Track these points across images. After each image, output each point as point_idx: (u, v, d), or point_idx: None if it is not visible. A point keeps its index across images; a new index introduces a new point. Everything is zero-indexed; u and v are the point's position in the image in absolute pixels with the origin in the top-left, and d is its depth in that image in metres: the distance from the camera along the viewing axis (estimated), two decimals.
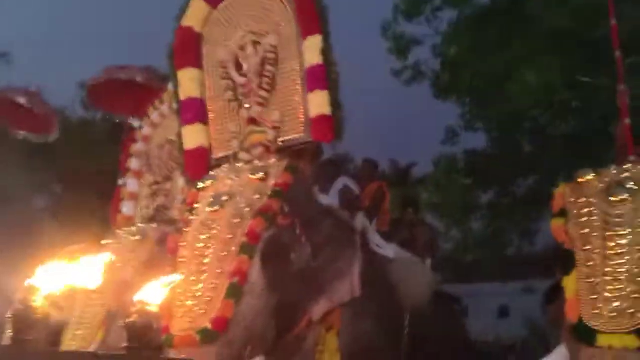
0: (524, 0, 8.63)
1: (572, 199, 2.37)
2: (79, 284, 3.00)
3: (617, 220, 2.22)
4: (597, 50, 7.06)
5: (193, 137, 3.32)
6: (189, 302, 2.34)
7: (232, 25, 3.34)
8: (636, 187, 2.26)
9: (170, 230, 3.55)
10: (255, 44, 3.21)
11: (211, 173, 2.84)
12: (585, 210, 2.30)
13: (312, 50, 3.01)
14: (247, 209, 2.49)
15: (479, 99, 10.25)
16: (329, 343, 2.70)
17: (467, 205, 12.01)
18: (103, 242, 3.78)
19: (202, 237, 2.47)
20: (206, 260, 2.40)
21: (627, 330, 2.07)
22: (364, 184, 5.69)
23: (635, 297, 2.09)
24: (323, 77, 2.98)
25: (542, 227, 9.98)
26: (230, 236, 2.43)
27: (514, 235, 12.02)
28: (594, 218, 2.27)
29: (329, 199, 4.28)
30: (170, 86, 4.44)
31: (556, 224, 2.36)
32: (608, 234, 2.21)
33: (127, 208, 4.35)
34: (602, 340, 2.08)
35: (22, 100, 5.78)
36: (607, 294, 2.12)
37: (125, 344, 2.10)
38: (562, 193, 2.42)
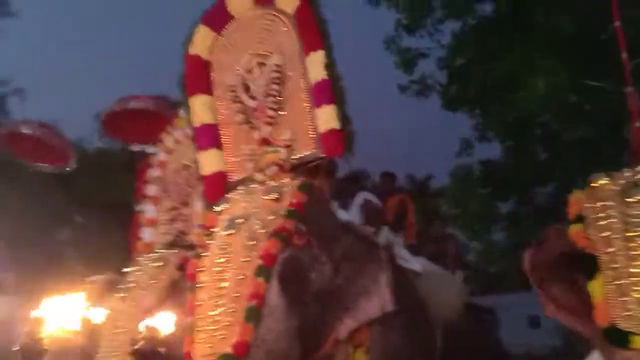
0: (526, 7, 8.63)
1: (588, 204, 2.35)
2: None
3: (636, 220, 2.20)
4: (604, 53, 7.03)
5: (209, 162, 3.33)
6: (209, 327, 2.33)
7: (237, 49, 3.37)
8: None
9: (190, 255, 3.59)
10: (261, 65, 3.24)
11: (227, 196, 2.84)
12: (603, 213, 2.28)
13: (315, 65, 3.02)
14: (262, 231, 2.48)
15: (488, 109, 10.22)
16: None
17: (486, 216, 11.93)
18: (124, 270, 3.81)
19: (219, 261, 2.46)
20: (224, 285, 2.39)
21: None
22: (384, 197, 5.63)
23: None
24: (329, 91, 2.97)
25: None
26: (245, 259, 2.41)
27: None
28: (613, 220, 2.24)
29: (350, 215, 4.26)
30: (182, 112, 4.53)
31: (575, 229, 2.34)
32: (629, 234, 2.18)
33: (146, 234, 4.39)
34: (638, 342, 2.04)
35: (37, 133, 5.90)
36: (637, 295, 2.08)
37: None
38: (577, 199, 2.41)
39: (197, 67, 3.42)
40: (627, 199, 2.23)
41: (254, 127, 3.19)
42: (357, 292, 2.56)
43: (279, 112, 3.14)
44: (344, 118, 2.97)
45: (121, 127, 5.19)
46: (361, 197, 5.20)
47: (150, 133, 4.76)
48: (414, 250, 4.32)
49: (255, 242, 2.44)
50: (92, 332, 3.50)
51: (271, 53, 3.21)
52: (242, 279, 2.37)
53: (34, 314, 2.96)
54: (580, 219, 2.32)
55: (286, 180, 2.81)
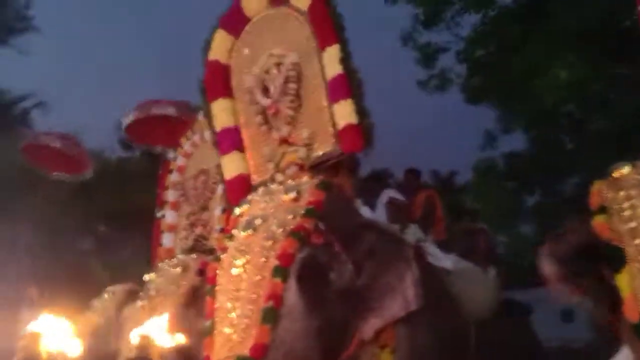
0: None
1: (611, 195, 2.24)
2: None
3: None
4: (628, 41, 6.85)
5: (232, 166, 3.32)
6: (227, 330, 2.29)
7: (254, 51, 3.35)
8: None
9: (210, 259, 3.56)
10: (278, 65, 3.20)
11: (247, 198, 2.80)
12: (627, 203, 2.16)
13: (331, 61, 2.97)
14: (280, 231, 2.43)
15: (511, 100, 10.05)
16: None
17: (512, 209, 11.73)
18: (145, 276, 3.80)
19: (237, 262, 2.41)
20: (241, 286, 2.35)
21: None
22: (410, 194, 5.51)
23: None
24: (345, 86, 2.91)
25: None
26: (263, 260, 2.36)
27: None
28: (639, 210, 2.13)
29: (376, 214, 4.18)
30: (200, 116, 4.53)
31: (598, 221, 2.22)
32: None
33: (167, 240, 4.38)
34: None
35: (56, 144, 6.00)
36: None
37: None
38: (598, 190, 2.30)
39: (216, 72, 3.42)
40: None
41: (273, 127, 3.16)
42: (382, 290, 2.46)
43: (297, 111, 3.09)
44: (361, 112, 2.89)
45: (143, 132, 5.26)
46: (386, 195, 5.10)
47: (172, 137, 4.80)
48: (444, 246, 4.20)
49: (273, 242, 2.39)
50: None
51: (288, 52, 3.17)
52: (260, 279, 2.32)
53: (31, 328, 2.93)
54: (603, 209, 2.22)
55: (305, 179, 2.76)
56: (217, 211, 4.12)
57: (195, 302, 3.22)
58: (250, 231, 2.46)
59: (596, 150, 9.30)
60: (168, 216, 4.47)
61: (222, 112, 3.37)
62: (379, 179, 5.75)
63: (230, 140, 3.33)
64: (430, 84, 10.72)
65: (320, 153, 3.00)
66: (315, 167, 2.98)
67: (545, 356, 4.08)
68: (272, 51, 3.26)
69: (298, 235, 2.40)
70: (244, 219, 2.60)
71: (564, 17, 8.15)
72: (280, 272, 2.31)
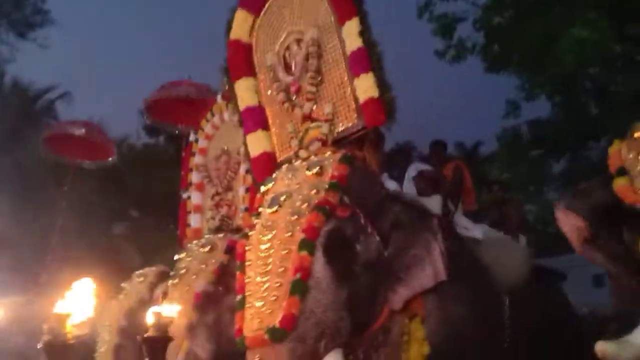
0: None
1: (631, 156, 2.19)
2: None
3: None
4: None
5: (256, 144, 3.39)
6: (257, 303, 2.33)
7: (275, 28, 3.39)
8: None
9: (237, 237, 3.62)
10: (299, 41, 3.22)
11: (272, 175, 2.83)
12: None
13: (350, 35, 2.97)
14: (305, 205, 2.44)
15: (533, 66, 9.82)
16: (413, 332, 2.55)
17: (538, 177, 11.56)
18: (176, 257, 3.89)
19: (264, 238, 2.45)
20: (270, 260, 2.38)
21: None
22: (437, 167, 5.45)
23: None
24: (365, 59, 2.91)
25: None
26: (289, 234, 2.39)
27: None
28: None
29: (405, 188, 4.17)
30: (218, 98, 4.59)
31: (620, 183, 2.18)
32: None
33: (194, 221, 4.49)
34: None
35: (80, 131, 6.13)
36: None
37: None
38: (617, 151, 2.25)
39: (238, 51, 3.46)
40: None
41: (296, 104, 3.19)
42: (410, 261, 2.49)
43: (319, 87, 3.11)
44: (383, 85, 2.90)
45: (164, 112, 5.40)
46: (413, 169, 5.08)
47: (192, 117, 4.91)
48: (475, 217, 4.17)
49: (297, 217, 2.42)
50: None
51: (307, 28, 3.18)
52: (287, 253, 2.35)
53: (56, 310, 3.03)
54: (622, 171, 2.17)
55: (328, 154, 2.77)
56: (240, 191, 4.18)
57: (224, 280, 3.31)
58: (275, 207, 2.50)
59: (622, 114, 9.09)
60: (194, 197, 4.56)
61: (245, 92, 3.42)
62: (405, 153, 5.68)
63: (254, 119, 3.39)
64: (449, 53, 10.54)
65: (343, 128, 3.02)
66: (339, 142, 3.00)
67: (578, 322, 4.01)
68: (292, 27, 3.28)
69: (323, 209, 2.41)
70: (269, 197, 2.63)
71: None
72: (307, 244, 2.34)
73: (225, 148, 4.47)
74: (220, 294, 3.26)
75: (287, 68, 3.24)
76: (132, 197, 12.62)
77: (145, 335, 2.53)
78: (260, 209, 2.62)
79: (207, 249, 3.70)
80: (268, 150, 3.34)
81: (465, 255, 2.91)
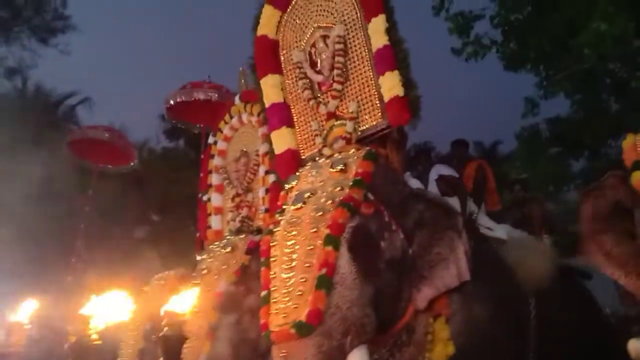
0: None
1: None
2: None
3: None
4: None
5: (281, 141, 3.40)
6: (283, 299, 2.33)
7: (301, 25, 3.40)
8: None
9: (258, 237, 3.65)
10: (325, 37, 3.23)
11: (296, 173, 2.83)
12: None
13: (377, 32, 2.97)
14: (329, 202, 2.44)
15: (552, 63, 9.71)
16: (438, 331, 2.53)
17: (558, 175, 11.43)
18: (198, 258, 3.93)
19: (289, 234, 2.45)
20: (295, 256, 2.38)
21: None
22: (459, 166, 5.38)
23: None
24: (391, 57, 2.92)
25: None
26: (314, 230, 2.38)
27: None
28: None
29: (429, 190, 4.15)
30: (237, 100, 4.63)
31: (638, 177, 2.15)
32: None
33: (214, 222, 4.52)
34: None
35: (103, 136, 6.24)
36: None
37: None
38: (632, 144, 2.21)
39: (265, 47, 3.48)
40: None
41: (321, 101, 3.20)
42: (434, 260, 2.48)
43: (345, 84, 3.12)
44: (408, 83, 2.89)
45: (183, 112, 5.48)
46: (436, 171, 5.03)
47: (210, 118, 4.98)
48: (498, 217, 4.13)
49: (322, 213, 2.41)
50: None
51: (334, 24, 3.19)
52: (312, 249, 2.35)
53: (82, 311, 3.08)
54: (638, 165, 2.14)
55: (351, 151, 2.76)
56: (260, 192, 4.21)
57: (245, 280, 3.32)
58: (300, 204, 2.49)
59: None
60: (214, 199, 4.60)
61: (271, 88, 3.43)
62: (427, 153, 5.63)
63: (279, 116, 3.40)
64: (466, 51, 10.44)
65: (367, 126, 3.03)
66: (363, 140, 3.00)
67: (604, 321, 3.93)
68: (318, 24, 3.29)
69: (348, 205, 2.41)
70: (293, 194, 2.63)
71: None
72: (332, 240, 2.33)
73: (244, 150, 4.50)
74: (241, 295, 3.28)
75: (313, 65, 3.25)
76: (153, 201, 12.73)
77: (160, 334, 2.56)
78: (284, 207, 2.62)
79: (228, 249, 3.73)
80: (292, 148, 3.35)
81: (490, 256, 2.88)
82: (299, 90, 3.29)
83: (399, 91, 2.88)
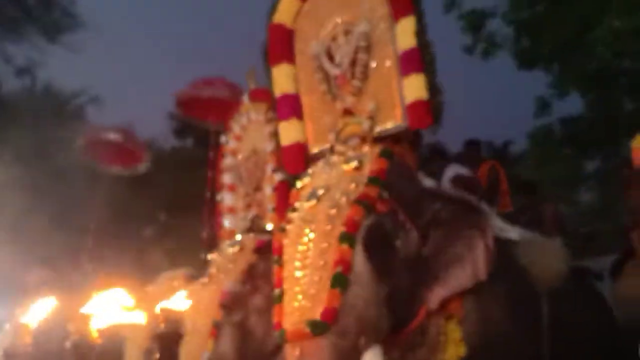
0: None
1: None
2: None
3: None
4: None
5: (289, 132, 3.31)
6: (297, 297, 2.28)
7: (322, 16, 3.30)
8: None
9: (266, 238, 3.61)
10: (347, 32, 3.15)
11: (308, 170, 2.77)
12: None
13: (405, 33, 2.90)
14: (344, 199, 2.38)
15: (565, 61, 9.59)
16: (450, 333, 2.49)
17: (571, 177, 11.33)
18: (209, 256, 3.91)
19: (303, 231, 2.39)
20: (309, 254, 2.33)
21: None
22: (471, 167, 5.31)
23: None
24: (418, 60, 2.85)
25: None
26: (329, 227, 2.33)
27: None
28: None
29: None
30: (245, 98, 4.58)
31: None
32: None
33: (227, 222, 4.47)
34: None
35: (116, 137, 6.20)
36: None
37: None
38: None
39: (280, 35, 3.38)
40: None
41: (337, 96, 3.11)
42: (449, 260, 2.42)
43: (364, 82, 3.04)
44: (433, 88, 2.84)
45: (194, 107, 5.45)
46: (451, 170, 4.94)
47: (219, 114, 4.95)
48: (510, 218, 4.07)
49: (337, 210, 2.36)
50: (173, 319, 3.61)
51: (358, 20, 3.10)
52: (326, 247, 2.30)
53: (83, 310, 3.06)
54: None
55: (366, 149, 2.72)
56: (267, 190, 4.17)
57: (252, 280, 3.31)
58: (314, 201, 2.44)
59: None
60: (226, 199, 4.54)
61: (284, 78, 3.35)
62: (441, 152, 5.56)
63: (289, 107, 3.31)
64: (478, 48, 10.35)
65: (384, 127, 2.94)
66: (379, 140, 2.91)
67: (616, 322, 3.90)
68: (341, 18, 3.20)
69: (363, 203, 2.36)
70: (306, 191, 2.58)
71: None
72: (348, 237, 2.28)
73: (254, 148, 4.47)
74: (248, 294, 3.26)
75: (331, 58, 3.17)
76: (160, 200, 12.74)
77: (157, 332, 2.52)
78: (296, 204, 2.56)
79: (236, 248, 3.71)
80: (301, 141, 3.27)
81: (503, 257, 2.84)
82: (314, 83, 3.20)
83: (423, 95, 2.82)
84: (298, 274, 2.31)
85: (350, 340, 2.17)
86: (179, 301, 3.11)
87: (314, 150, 3.21)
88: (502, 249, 2.97)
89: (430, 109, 2.81)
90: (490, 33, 10.20)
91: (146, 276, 4.94)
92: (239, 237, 3.95)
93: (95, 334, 4.02)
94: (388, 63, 2.97)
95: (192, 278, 4.13)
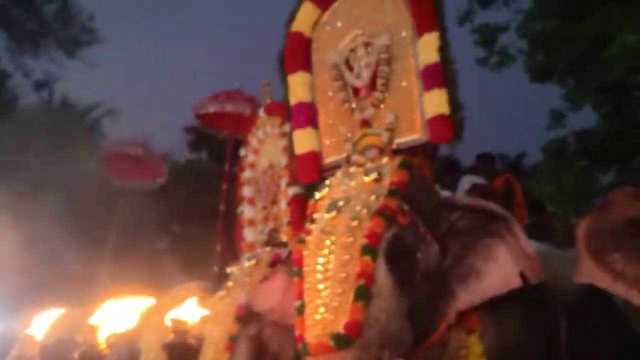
0: None
1: None
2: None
3: None
4: None
5: (304, 141, 3.32)
6: (319, 310, 2.27)
7: (342, 28, 3.33)
8: None
9: (282, 252, 3.64)
10: (367, 45, 3.17)
11: (326, 182, 2.76)
12: None
13: (428, 48, 2.94)
14: (365, 211, 2.38)
15: (579, 75, 9.55)
16: (471, 347, 2.47)
17: (585, 190, 11.23)
18: (228, 269, 3.94)
19: (323, 243, 2.38)
20: (330, 266, 2.32)
21: None
22: (487, 180, 5.27)
23: None
24: (440, 75, 2.88)
25: None
26: (350, 239, 2.32)
27: None
28: None
29: None
30: (261, 112, 4.64)
31: None
32: None
33: (248, 234, 4.54)
34: None
35: (136, 152, 6.27)
36: None
37: None
38: None
39: (298, 44, 3.41)
40: None
41: (355, 107, 3.13)
42: (466, 272, 2.41)
43: (384, 94, 3.07)
44: (455, 103, 2.87)
45: (214, 120, 5.51)
46: (467, 181, 4.90)
47: (237, 126, 5.02)
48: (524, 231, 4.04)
49: (358, 222, 2.34)
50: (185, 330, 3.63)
51: (379, 33, 3.14)
52: (348, 259, 2.29)
53: (90, 321, 3.07)
54: None
55: (385, 161, 2.71)
56: (283, 204, 4.21)
57: None
58: (334, 213, 2.43)
59: None
60: (246, 212, 4.62)
61: (300, 86, 3.36)
62: (455, 165, 5.56)
63: (305, 115, 3.32)
64: (491, 60, 10.32)
65: (404, 139, 2.97)
66: (397, 152, 2.92)
67: (634, 335, 3.84)
68: (362, 30, 3.22)
69: (384, 215, 2.35)
70: (325, 202, 2.57)
71: None
72: (370, 250, 2.27)
73: (270, 162, 4.53)
74: None
75: (350, 69, 3.19)
76: (175, 212, 12.80)
77: (166, 342, 2.52)
78: (315, 215, 2.56)
79: (252, 262, 3.74)
80: (315, 150, 3.28)
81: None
82: (332, 93, 3.22)
83: (445, 109, 2.85)
84: (320, 286, 2.30)
85: (373, 354, 2.16)
86: (188, 311, 3.12)
87: (328, 160, 3.22)
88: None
89: (452, 124, 2.84)
90: (503, 46, 10.18)
91: (160, 287, 4.97)
92: (257, 250, 4.01)
93: (103, 345, 4.02)
94: (409, 77, 3.01)
95: (205, 290, 4.15)
